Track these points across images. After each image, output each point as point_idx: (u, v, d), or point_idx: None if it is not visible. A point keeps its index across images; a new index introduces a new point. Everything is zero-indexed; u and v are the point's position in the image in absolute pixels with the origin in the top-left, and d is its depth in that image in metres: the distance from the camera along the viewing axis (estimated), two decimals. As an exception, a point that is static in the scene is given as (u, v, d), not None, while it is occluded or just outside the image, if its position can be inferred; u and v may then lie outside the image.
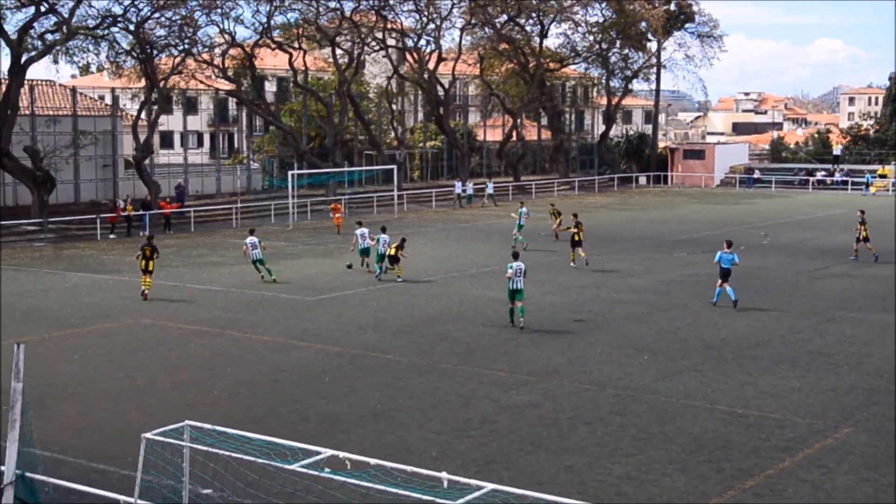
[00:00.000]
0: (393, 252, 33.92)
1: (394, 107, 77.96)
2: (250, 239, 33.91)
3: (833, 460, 16.25)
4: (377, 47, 71.79)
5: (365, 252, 35.80)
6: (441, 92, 75.47)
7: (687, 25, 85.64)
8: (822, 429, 17.87)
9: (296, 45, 65.82)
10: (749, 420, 18.39)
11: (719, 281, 29.34)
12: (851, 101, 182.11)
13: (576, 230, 37.41)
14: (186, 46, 58.24)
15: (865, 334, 25.76)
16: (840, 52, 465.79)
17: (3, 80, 50.09)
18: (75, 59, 53.50)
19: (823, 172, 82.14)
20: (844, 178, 79.65)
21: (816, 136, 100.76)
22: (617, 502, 14.44)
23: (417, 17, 70.64)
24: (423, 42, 73.25)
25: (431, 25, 71.69)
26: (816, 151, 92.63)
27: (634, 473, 15.62)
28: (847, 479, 15.45)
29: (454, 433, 17.59)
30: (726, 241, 31.00)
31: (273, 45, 65.35)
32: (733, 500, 14.54)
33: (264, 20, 62.89)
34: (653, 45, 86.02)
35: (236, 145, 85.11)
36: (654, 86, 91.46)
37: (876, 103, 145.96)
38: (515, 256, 27.13)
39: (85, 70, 78.19)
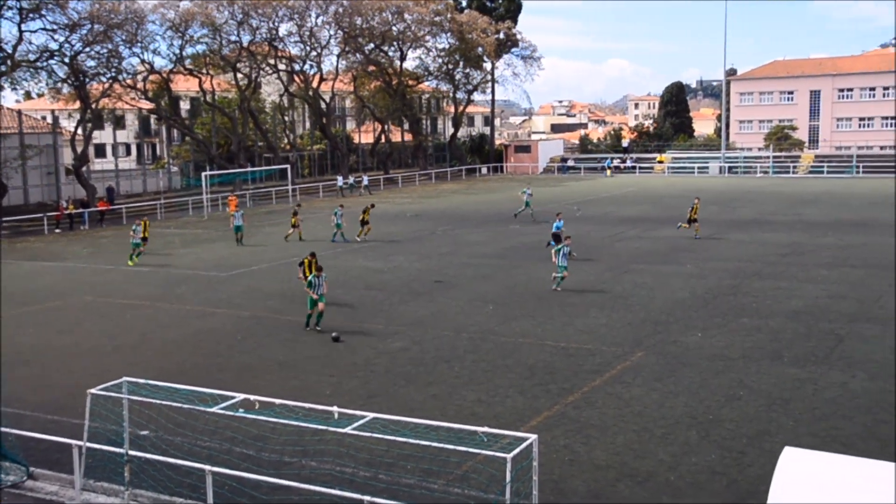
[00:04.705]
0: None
1: (286, 118, 76.90)
2: None
3: (630, 377, 16.85)
4: (270, 71, 70.36)
5: (338, 227, 37.96)
6: (323, 105, 74.60)
7: (513, 50, 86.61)
8: (622, 354, 18.50)
9: (204, 71, 64.11)
10: (569, 351, 18.88)
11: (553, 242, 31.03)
12: (636, 105, 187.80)
13: (364, 214, 38.07)
14: (113, 74, 56.05)
15: (652, 282, 26.71)
16: (627, 69, 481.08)
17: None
18: (19, 87, 50.97)
19: (618, 160, 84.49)
20: (633, 165, 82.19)
21: (612, 133, 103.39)
22: (471, 421, 14.67)
23: (302, 46, 69.48)
24: (307, 66, 72.11)
25: (314, 53, 70.65)
26: (612, 145, 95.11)
27: (484, 398, 15.86)
28: (640, 389, 16.06)
29: (343, 375, 17.51)
30: (557, 213, 35.24)
31: (185, 72, 63.63)
32: (558, 412, 14.95)
33: (178, 51, 61.51)
34: (488, 66, 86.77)
35: (158, 153, 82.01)
36: (490, 97, 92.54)
37: (653, 107, 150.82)
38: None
39: (27, 96, 74.07)
